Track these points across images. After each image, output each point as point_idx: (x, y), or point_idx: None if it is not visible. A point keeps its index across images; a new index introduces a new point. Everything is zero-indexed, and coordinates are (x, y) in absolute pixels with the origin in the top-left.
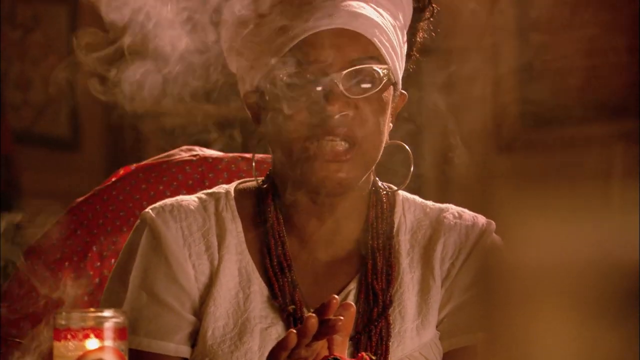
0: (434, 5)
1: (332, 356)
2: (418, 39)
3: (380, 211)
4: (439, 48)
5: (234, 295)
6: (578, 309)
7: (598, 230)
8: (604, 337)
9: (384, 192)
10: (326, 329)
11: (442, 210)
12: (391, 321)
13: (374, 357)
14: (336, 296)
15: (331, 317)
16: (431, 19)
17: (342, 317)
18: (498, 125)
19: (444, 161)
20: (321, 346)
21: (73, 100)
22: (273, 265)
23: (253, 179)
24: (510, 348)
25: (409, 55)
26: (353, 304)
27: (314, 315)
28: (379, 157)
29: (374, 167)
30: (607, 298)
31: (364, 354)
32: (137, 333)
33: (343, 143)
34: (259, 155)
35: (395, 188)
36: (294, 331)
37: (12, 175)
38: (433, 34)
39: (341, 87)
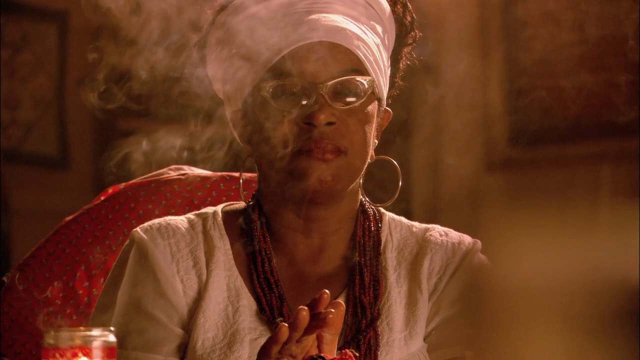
0: (416, 31)
1: (317, 354)
2: (401, 65)
3: (367, 229)
4: (428, 67)
5: (223, 308)
6: (566, 328)
7: (586, 249)
8: (592, 356)
9: (372, 213)
10: (317, 322)
11: (427, 230)
12: (379, 332)
13: (357, 354)
14: (327, 290)
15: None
16: (414, 44)
17: (332, 310)
18: (485, 145)
19: (432, 180)
20: (311, 344)
21: (62, 118)
22: (260, 281)
23: (240, 201)
24: None
25: (392, 82)
26: (342, 302)
27: (305, 308)
28: (364, 169)
29: (361, 186)
30: (596, 317)
31: (347, 350)
32: (125, 346)
33: (329, 152)
34: (245, 175)
35: (383, 210)
36: (286, 324)
37: (0, 194)
38: (416, 62)
39: (327, 98)
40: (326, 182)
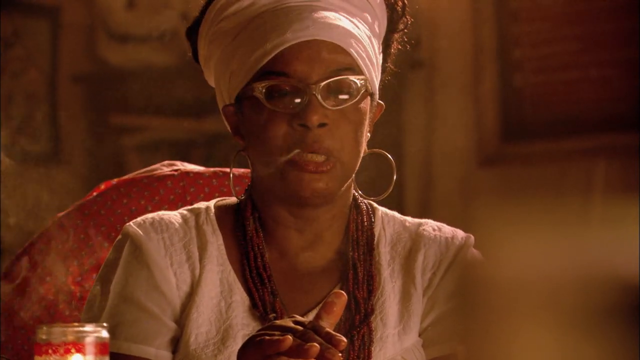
0: (407, 17)
1: None
2: (392, 50)
3: (360, 224)
4: (420, 63)
5: (216, 303)
6: (559, 322)
7: (579, 244)
8: (585, 352)
9: (364, 207)
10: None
11: (420, 224)
12: (373, 327)
13: None
14: (342, 292)
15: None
16: (405, 31)
17: (340, 355)
18: (478, 140)
19: (425, 176)
20: None
21: (54, 114)
22: (253, 276)
23: (232, 196)
24: None
25: (383, 67)
26: (344, 293)
27: (316, 345)
28: (357, 167)
29: (354, 180)
30: (589, 311)
31: None
32: (117, 337)
33: (322, 156)
34: (238, 170)
35: (376, 205)
36: (291, 338)
37: None
38: (407, 46)
39: (319, 99)
40: (319, 191)
